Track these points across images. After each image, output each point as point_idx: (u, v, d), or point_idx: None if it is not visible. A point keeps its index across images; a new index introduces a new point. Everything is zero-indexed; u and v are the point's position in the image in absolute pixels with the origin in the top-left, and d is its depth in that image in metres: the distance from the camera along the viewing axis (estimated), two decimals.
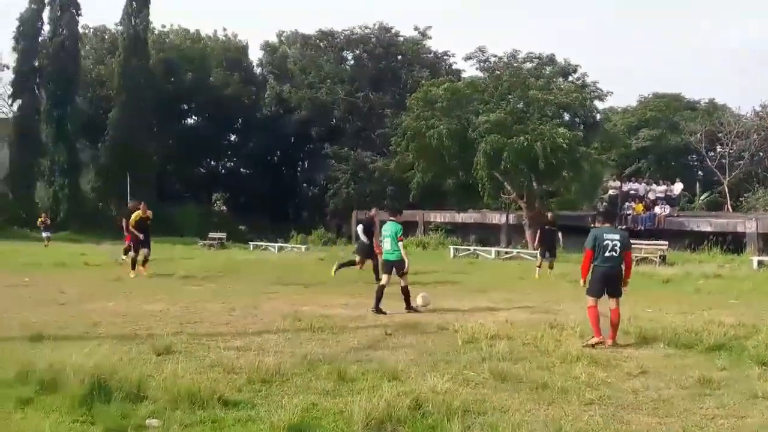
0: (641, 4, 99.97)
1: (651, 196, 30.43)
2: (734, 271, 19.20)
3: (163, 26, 56.34)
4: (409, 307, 11.40)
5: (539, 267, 18.49)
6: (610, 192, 31.31)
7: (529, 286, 16.05)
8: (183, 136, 54.01)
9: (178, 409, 5.45)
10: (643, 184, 31.85)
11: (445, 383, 6.16)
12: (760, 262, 21.03)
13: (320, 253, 28.07)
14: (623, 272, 8.85)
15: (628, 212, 29.39)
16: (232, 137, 59.80)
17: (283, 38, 57.75)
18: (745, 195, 43.41)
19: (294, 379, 6.51)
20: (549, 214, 20.08)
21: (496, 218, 34.49)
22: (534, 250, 26.42)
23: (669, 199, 30.54)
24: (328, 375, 6.61)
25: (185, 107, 57.25)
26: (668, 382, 6.82)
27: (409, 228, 36.00)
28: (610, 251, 8.68)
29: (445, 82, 32.80)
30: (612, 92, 33.63)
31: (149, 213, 16.99)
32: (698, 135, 46.06)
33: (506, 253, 27.14)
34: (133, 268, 16.49)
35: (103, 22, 55.55)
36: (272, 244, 34.83)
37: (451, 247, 28.87)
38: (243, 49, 58.60)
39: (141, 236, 16.57)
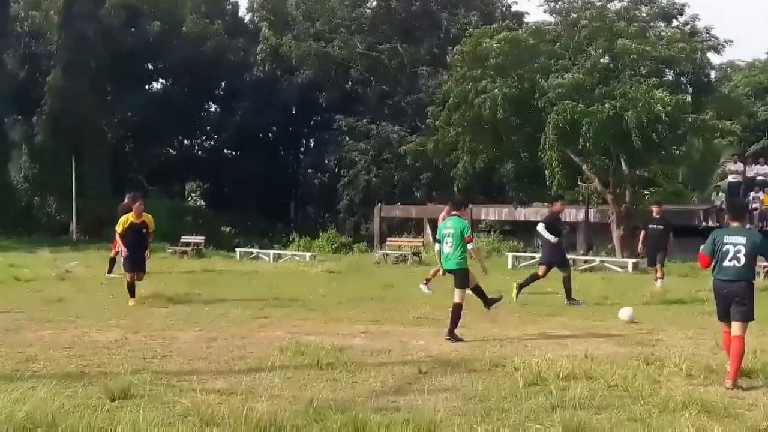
0: None
1: None
2: None
3: None
4: (452, 335, 11.50)
5: (660, 277, 18.84)
6: (730, 178, 31.02)
7: (618, 306, 15.87)
8: (147, 105, 54.16)
9: None
10: None
11: None
12: None
13: (331, 263, 28.16)
14: (752, 287, 8.92)
15: (753, 205, 29.13)
16: (213, 107, 60.25)
17: None
18: None
19: None
20: (655, 208, 20.29)
21: (572, 215, 34.32)
22: (625, 257, 26.54)
23: None
24: (341, 428, 6.61)
25: (150, 67, 57.71)
26: None
27: None
28: (730, 259, 8.75)
29: (502, 31, 32.64)
30: (732, 41, 33.27)
31: (146, 216, 15.77)
32: None
33: (585, 262, 27.04)
34: (131, 294, 15.42)
35: None
36: (266, 251, 35.01)
37: (509, 254, 28.83)
38: None
39: (125, 251, 15.58)
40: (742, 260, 8.71)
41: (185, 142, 61.91)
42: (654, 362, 9.43)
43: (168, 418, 6.91)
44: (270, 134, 58.90)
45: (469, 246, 11.78)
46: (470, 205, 35.62)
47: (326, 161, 52.50)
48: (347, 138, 48.76)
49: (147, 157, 56.58)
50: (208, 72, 54.88)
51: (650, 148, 27.91)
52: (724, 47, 32.69)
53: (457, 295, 11.66)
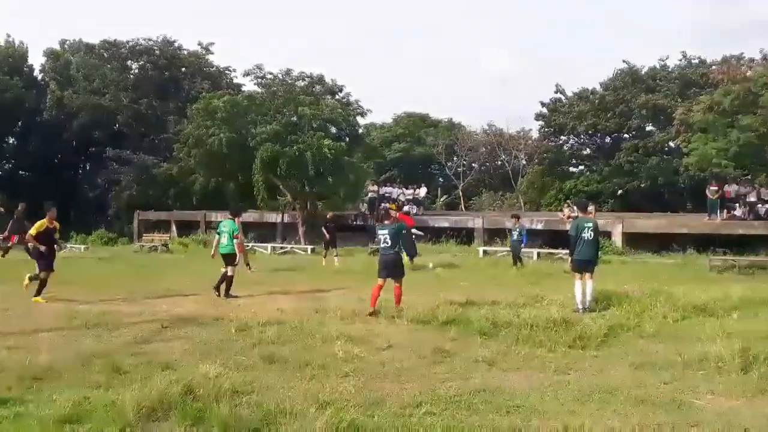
0: (397, 29, 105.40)
1: (402, 198, 32.19)
2: (465, 259, 20.86)
3: None
4: (218, 291, 11.68)
5: (325, 257, 19.58)
6: (370, 195, 32.57)
7: (303, 276, 16.05)
8: None
9: None
10: (395, 188, 33.61)
11: (216, 369, 5.99)
12: (484, 252, 23.22)
13: (100, 252, 26.10)
14: (400, 258, 10.08)
15: (383, 212, 30.77)
16: (12, 140, 53.30)
17: (66, 46, 52.38)
18: (475, 197, 47.97)
19: (67, 375, 5.93)
20: (329, 214, 21.16)
21: (273, 218, 34.33)
22: (306, 245, 27.02)
23: (416, 201, 32.55)
24: (101, 369, 6.12)
25: None
26: (410, 353, 7.21)
27: (191, 227, 34.58)
28: (383, 242, 10.02)
29: (225, 95, 31.95)
30: (371, 110, 35.08)
31: (56, 223, 12.33)
32: (439, 148, 49.96)
33: (281, 248, 27.16)
34: (38, 293, 11.49)
35: None
36: None
37: None
38: (24, 55, 52.53)
39: (42, 248, 11.73)
40: (389, 242, 9.92)
41: None
42: (321, 311, 9.64)
43: None
44: (56, 160, 52.93)
45: (235, 241, 11.91)
46: (204, 211, 34.44)
47: (99, 180, 48.08)
48: (115, 164, 45.10)
49: None
50: (8, 114, 48.32)
51: (321, 176, 28.55)
52: (367, 113, 34.31)
53: (229, 270, 11.71)
